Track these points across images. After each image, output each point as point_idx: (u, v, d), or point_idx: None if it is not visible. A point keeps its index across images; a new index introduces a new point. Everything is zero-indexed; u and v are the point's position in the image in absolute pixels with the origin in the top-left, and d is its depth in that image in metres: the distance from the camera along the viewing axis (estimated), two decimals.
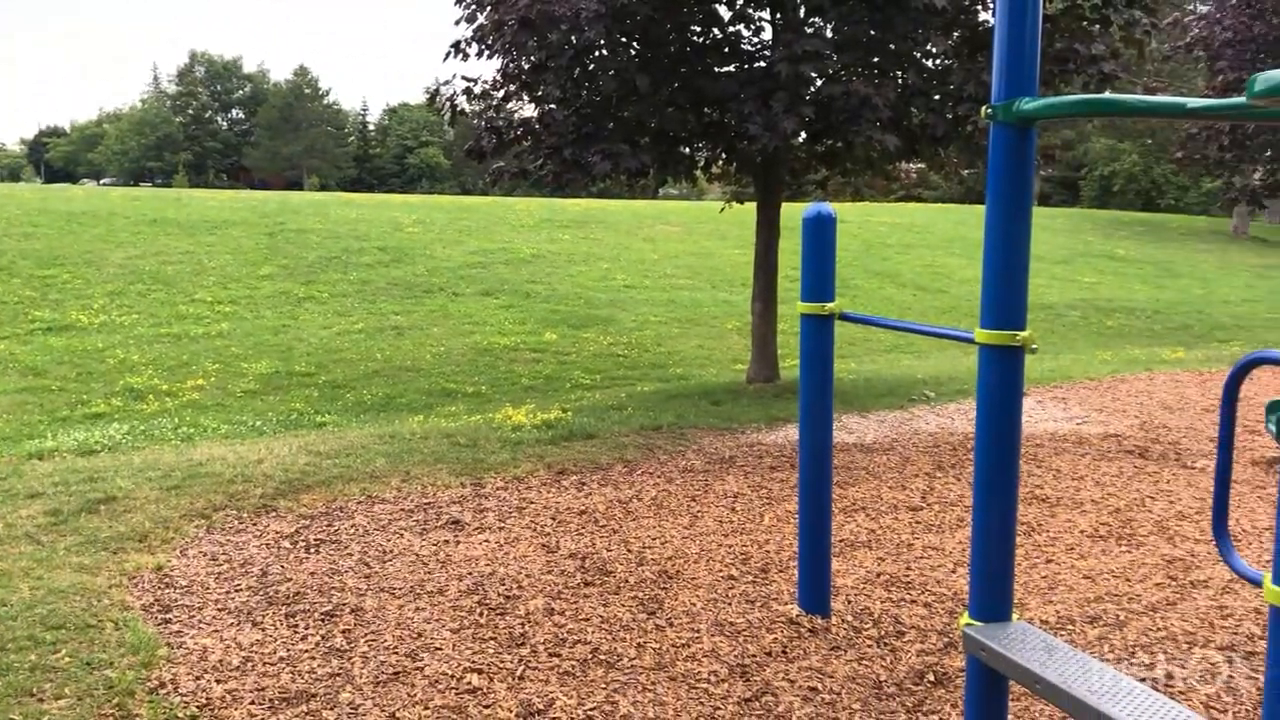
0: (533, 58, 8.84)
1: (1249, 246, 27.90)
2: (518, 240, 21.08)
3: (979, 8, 9.01)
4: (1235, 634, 4.10)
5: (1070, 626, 4.19)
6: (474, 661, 3.83)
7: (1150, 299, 19.33)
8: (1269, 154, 16.84)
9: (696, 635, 4.06)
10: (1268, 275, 23.13)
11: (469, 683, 3.66)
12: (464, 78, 9.60)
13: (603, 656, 3.88)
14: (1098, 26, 9.01)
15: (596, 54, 8.85)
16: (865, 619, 4.24)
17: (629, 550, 5.09)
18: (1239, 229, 30.51)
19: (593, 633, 4.09)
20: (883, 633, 4.10)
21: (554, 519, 5.62)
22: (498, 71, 9.42)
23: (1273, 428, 7.22)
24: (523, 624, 4.17)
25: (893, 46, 8.79)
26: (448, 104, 9.59)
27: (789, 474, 6.55)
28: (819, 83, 8.77)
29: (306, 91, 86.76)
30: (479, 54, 9.21)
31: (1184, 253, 25.34)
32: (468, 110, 9.99)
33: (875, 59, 9.06)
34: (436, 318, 15.94)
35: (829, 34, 9.03)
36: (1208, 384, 10.50)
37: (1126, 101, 2.97)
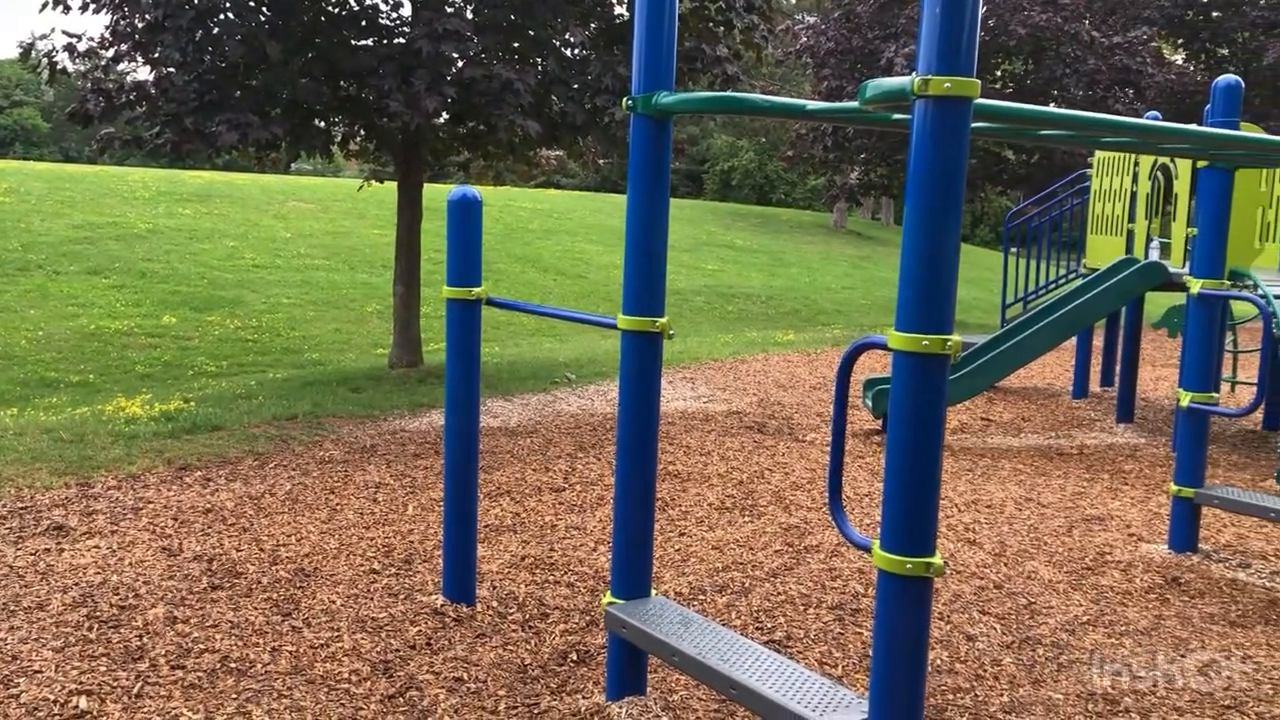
0: (148, 15, 8.06)
1: (847, 239, 30.95)
2: (131, 214, 19.28)
3: (615, 1, 9.29)
4: (843, 594, 4.50)
5: (702, 596, 4.42)
6: (82, 682, 3.43)
7: (764, 286, 20.90)
8: (864, 156, 18.68)
9: (336, 634, 3.89)
10: (862, 265, 25.75)
11: (76, 706, 3.28)
12: (65, 32, 8.61)
13: (233, 665, 3.61)
14: (722, 29, 9.56)
15: (222, 16, 8.23)
16: (510, 603, 4.24)
17: (261, 549, 4.79)
18: (838, 223, 33.75)
19: (222, 640, 3.80)
20: (527, 616, 4.12)
21: (176, 519, 5.19)
22: (107, 28, 8.53)
23: (869, 402, 8.03)
24: (140, 636, 3.80)
25: (533, 33, 8.86)
26: (45, 61, 8.56)
27: (434, 461, 6.45)
28: (461, 64, 8.67)
29: None
30: (83, 7, 8.30)
31: (793, 244, 27.66)
32: (70, 69, 8.96)
33: (516, 44, 9.09)
34: (34, 299, 14.25)
35: (469, 15, 8.95)
36: (815, 363, 11.51)
37: (755, 101, 3.15)
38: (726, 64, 9.35)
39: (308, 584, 4.39)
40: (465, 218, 3.96)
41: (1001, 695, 3.61)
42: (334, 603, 4.19)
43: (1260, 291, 6.87)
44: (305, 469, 6.22)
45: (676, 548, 5.05)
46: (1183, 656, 3.98)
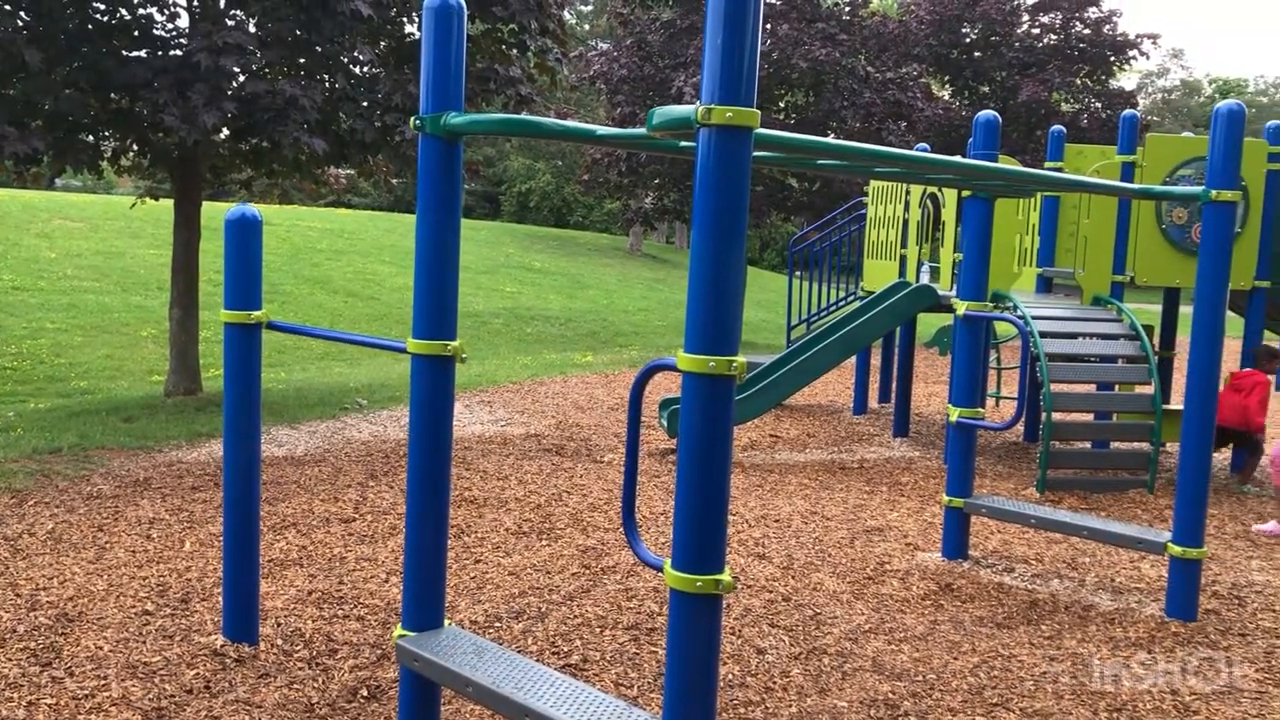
0: None
1: (643, 262, 31.47)
2: None
3: (405, 20, 9.15)
4: (639, 613, 4.54)
5: (498, 624, 4.36)
6: None
7: (563, 308, 20.98)
8: (658, 181, 19.05)
9: (104, 682, 3.62)
10: (658, 288, 26.23)
11: None
12: None
13: None
14: (515, 51, 9.57)
15: None
16: (296, 640, 4.07)
17: (18, 594, 4.42)
18: (634, 246, 34.29)
19: None
20: (315, 653, 3.96)
21: None
22: None
23: (664, 422, 8.16)
24: None
25: (320, 49, 8.62)
26: None
27: (214, 493, 6.12)
28: (242, 78, 8.34)
29: None
30: None
31: (590, 266, 27.90)
32: None
33: (302, 60, 8.82)
34: None
35: (252, 29, 8.62)
36: (612, 384, 11.62)
37: (546, 124, 3.15)
38: (520, 85, 9.36)
39: (71, 630, 4.07)
40: (244, 237, 3.80)
41: (790, 706, 3.72)
42: (101, 649, 3.90)
43: (1019, 312, 7.39)
44: (70, 506, 5.79)
45: (472, 575, 4.97)
46: (955, 659, 4.21)
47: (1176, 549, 4.80)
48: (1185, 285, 8.23)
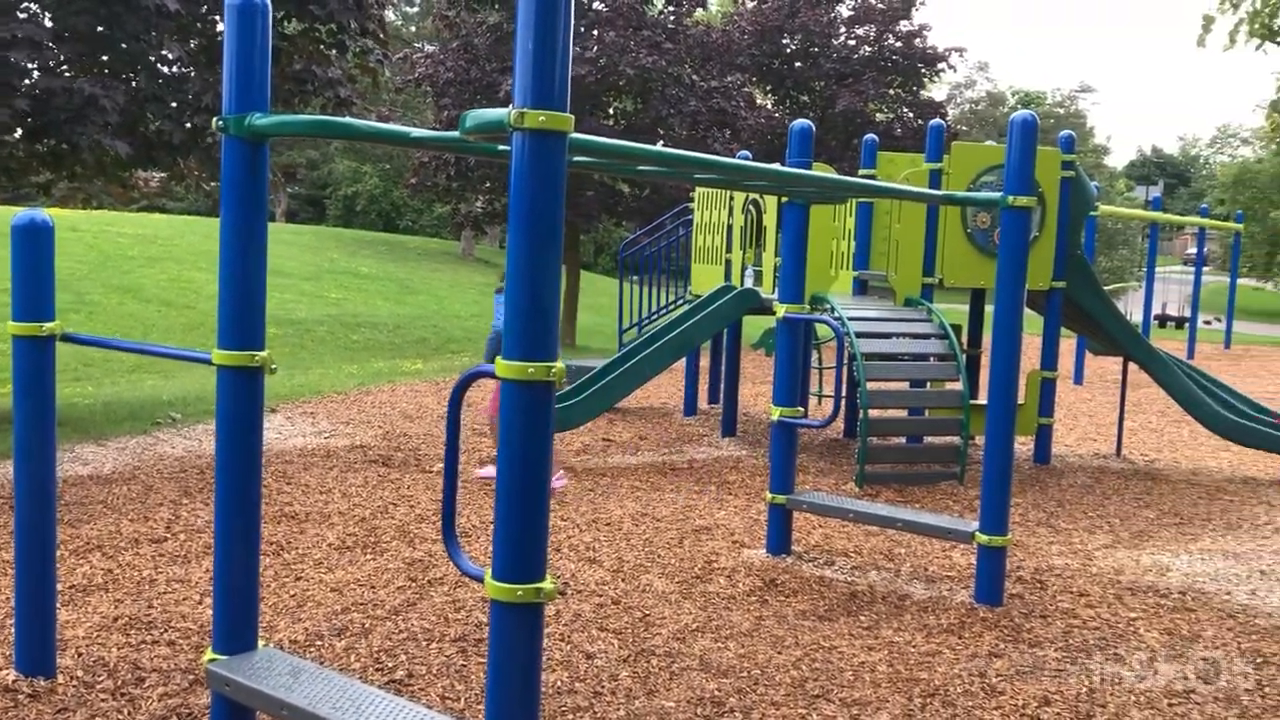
0: None
1: (475, 267, 31.13)
2: None
3: (216, 17, 8.78)
4: (466, 625, 4.47)
5: (319, 642, 4.22)
6: None
7: (391, 314, 20.53)
8: (488, 185, 18.85)
9: None
10: (490, 293, 26.05)
11: None
12: None
13: None
14: (334, 52, 9.32)
15: None
16: (100, 670, 3.83)
17: None
18: (466, 251, 33.89)
19: None
20: (120, 683, 3.74)
21: None
22: None
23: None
24: None
25: (124, 45, 8.18)
26: None
27: (6, 517, 5.71)
28: (36, 74, 7.83)
29: None
30: None
31: (421, 271, 27.40)
32: None
33: (104, 57, 8.35)
34: None
35: (48, 23, 8.11)
36: (443, 392, 11.44)
37: (356, 126, 3.08)
38: (340, 87, 9.12)
39: None
40: (33, 244, 3.57)
41: (618, 709, 3.73)
42: None
43: (836, 314, 7.64)
44: None
45: (292, 593, 4.80)
46: (779, 653, 4.31)
47: (983, 537, 5.04)
48: (989, 286, 8.68)
